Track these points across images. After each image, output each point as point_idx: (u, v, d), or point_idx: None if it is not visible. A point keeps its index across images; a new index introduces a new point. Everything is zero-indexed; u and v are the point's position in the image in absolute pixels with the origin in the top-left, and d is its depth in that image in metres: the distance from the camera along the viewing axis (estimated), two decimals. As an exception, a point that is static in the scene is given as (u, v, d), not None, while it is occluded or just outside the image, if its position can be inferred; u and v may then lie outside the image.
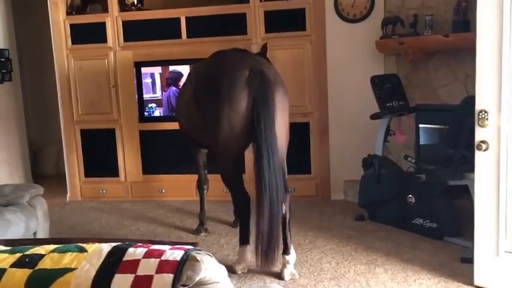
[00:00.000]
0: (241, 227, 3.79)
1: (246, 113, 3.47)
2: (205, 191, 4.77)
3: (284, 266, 3.62)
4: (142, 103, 5.78)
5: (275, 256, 3.41)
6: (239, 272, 3.70)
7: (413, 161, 4.54)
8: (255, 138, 3.40)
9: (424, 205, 4.32)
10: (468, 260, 3.56)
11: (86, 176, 6.04)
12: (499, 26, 3.02)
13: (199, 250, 1.45)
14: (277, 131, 3.46)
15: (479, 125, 3.13)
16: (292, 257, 3.64)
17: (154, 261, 1.38)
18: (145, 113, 5.78)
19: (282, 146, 3.58)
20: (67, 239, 1.70)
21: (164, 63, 5.66)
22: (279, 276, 3.61)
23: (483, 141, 3.12)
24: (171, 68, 5.66)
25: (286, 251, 3.63)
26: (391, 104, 4.66)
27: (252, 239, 3.56)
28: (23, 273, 1.39)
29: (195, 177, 5.71)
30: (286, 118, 3.65)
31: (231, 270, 3.65)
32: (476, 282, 3.33)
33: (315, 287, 3.46)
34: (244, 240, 3.77)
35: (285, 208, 3.62)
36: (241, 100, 3.48)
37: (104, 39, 5.74)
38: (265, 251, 3.36)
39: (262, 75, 3.49)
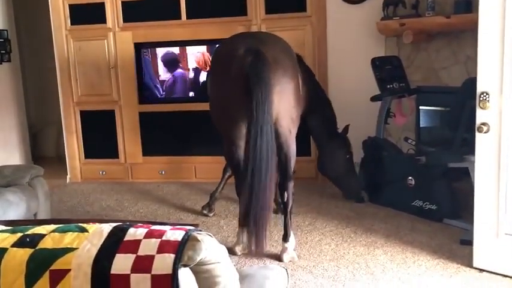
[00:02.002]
0: (241, 208, 3.80)
1: (238, 93, 3.33)
2: (227, 175, 4.69)
3: (283, 250, 3.64)
4: (142, 84, 5.76)
5: (261, 242, 3.27)
6: (238, 253, 3.72)
7: (414, 143, 4.55)
8: (247, 118, 3.28)
9: (423, 187, 4.33)
10: (467, 242, 3.58)
11: (86, 157, 6.05)
12: (502, 6, 2.99)
13: (200, 231, 1.45)
14: (278, 113, 3.41)
15: (480, 107, 3.11)
16: (291, 244, 3.64)
17: (155, 242, 1.37)
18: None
19: (285, 131, 3.50)
20: (68, 220, 1.71)
21: (164, 44, 5.63)
22: (279, 258, 3.63)
23: (484, 123, 3.11)
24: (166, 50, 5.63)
25: (285, 238, 3.64)
26: (391, 85, 4.64)
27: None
28: (25, 253, 1.39)
29: (195, 159, 5.75)
30: (290, 101, 3.50)
31: (230, 251, 3.67)
32: (475, 264, 3.35)
33: (315, 268, 3.48)
34: (243, 222, 3.79)
35: (286, 195, 3.62)
36: (232, 79, 3.39)
37: (103, 20, 5.70)
38: (250, 232, 3.26)
39: (256, 54, 3.34)
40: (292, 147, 3.59)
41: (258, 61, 3.31)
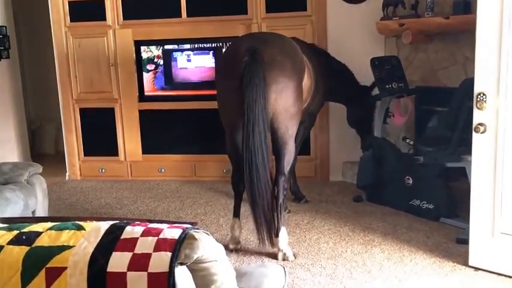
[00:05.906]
0: (234, 199, 3.85)
1: (236, 92, 3.39)
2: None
3: (277, 247, 3.65)
4: (142, 82, 5.76)
5: (267, 236, 3.46)
6: (231, 247, 3.74)
7: (412, 142, 4.56)
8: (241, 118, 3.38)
9: (421, 186, 4.34)
10: (463, 240, 3.60)
11: (86, 155, 6.05)
12: (499, 7, 3.00)
13: (197, 229, 1.46)
14: (275, 111, 3.44)
15: (477, 108, 3.13)
16: (281, 240, 3.63)
17: (152, 240, 1.37)
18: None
19: (281, 126, 3.51)
20: (66, 218, 1.71)
21: (164, 42, 5.63)
22: (276, 256, 3.64)
23: (481, 124, 3.12)
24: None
25: (276, 233, 3.65)
26: (390, 85, 4.64)
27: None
28: (21, 250, 1.39)
29: (195, 157, 5.75)
30: (288, 99, 3.51)
31: (225, 247, 3.66)
32: (471, 262, 3.37)
33: (313, 267, 3.49)
34: (234, 213, 3.85)
35: (276, 190, 3.63)
36: (231, 78, 3.44)
37: (103, 17, 5.70)
38: (257, 230, 3.45)
39: (254, 54, 3.39)
40: (289, 143, 3.60)
41: (252, 61, 3.37)
